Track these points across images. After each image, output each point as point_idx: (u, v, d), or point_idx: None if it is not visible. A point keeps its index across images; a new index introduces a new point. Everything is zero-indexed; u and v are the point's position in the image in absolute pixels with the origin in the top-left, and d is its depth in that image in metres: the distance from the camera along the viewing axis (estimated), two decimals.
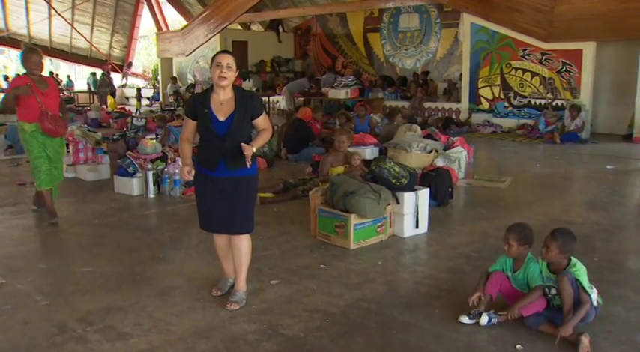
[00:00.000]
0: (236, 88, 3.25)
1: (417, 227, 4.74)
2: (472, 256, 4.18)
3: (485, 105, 12.84)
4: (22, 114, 4.98)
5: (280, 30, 19.02)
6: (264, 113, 3.31)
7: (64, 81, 24.20)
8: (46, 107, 4.97)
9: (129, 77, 24.57)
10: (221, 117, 3.16)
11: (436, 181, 5.61)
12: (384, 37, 16.59)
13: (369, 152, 7.74)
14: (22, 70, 5.21)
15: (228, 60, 3.14)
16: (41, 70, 5.04)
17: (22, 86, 4.88)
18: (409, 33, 15.94)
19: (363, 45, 17.21)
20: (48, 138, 5.07)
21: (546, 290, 3.04)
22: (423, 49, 15.68)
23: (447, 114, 13.22)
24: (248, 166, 3.12)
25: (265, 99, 15.86)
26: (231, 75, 3.15)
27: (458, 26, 13.62)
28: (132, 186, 6.37)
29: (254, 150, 3.11)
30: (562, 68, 11.46)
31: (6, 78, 21.73)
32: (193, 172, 3.18)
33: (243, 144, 3.07)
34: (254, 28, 20.18)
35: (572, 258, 3.00)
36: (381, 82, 15.59)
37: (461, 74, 13.53)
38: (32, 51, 5.06)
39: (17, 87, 4.90)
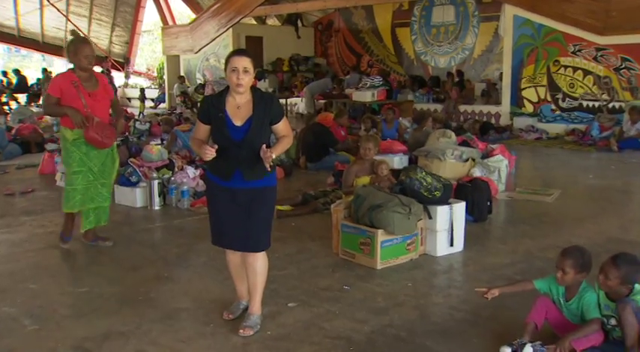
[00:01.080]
0: (254, 89, 3.29)
1: (451, 245, 4.73)
2: (515, 278, 4.14)
3: (529, 108, 12.75)
4: (65, 118, 4.60)
5: (299, 24, 19.15)
6: (285, 118, 3.35)
7: None
8: (93, 112, 4.57)
9: (131, 76, 24.79)
10: (237, 122, 3.20)
11: (473, 194, 5.59)
12: (415, 32, 16.62)
13: (398, 161, 7.74)
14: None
15: (244, 63, 3.17)
16: (93, 64, 4.63)
17: (66, 86, 4.53)
18: (443, 27, 15.96)
19: (391, 41, 17.26)
20: (93, 149, 4.66)
21: (604, 320, 2.95)
22: (459, 46, 15.67)
23: (485, 119, 13.17)
24: (268, 170, 3.14)
25: (282, 101, 15.98)
26: (248, 79, 3.19)
27: (498, 19, 13.59)
28: (134, 196, 6.46)
29: (274, 156, 3.14)
30: (621, 65, 11.32)
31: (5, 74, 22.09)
32: (214, 149, 3.11)
33: (263, 148, 3.11)
34: (270, 22, 20.36)
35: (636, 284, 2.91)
36: (410, 83, 15.62)
37: (501, 73, 13.48)
38: (83, 41, 4.64)
39: (59, 88, 4.55)
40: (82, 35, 4.78)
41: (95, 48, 25.32)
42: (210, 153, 3.11)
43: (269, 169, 3.15)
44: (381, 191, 4.64)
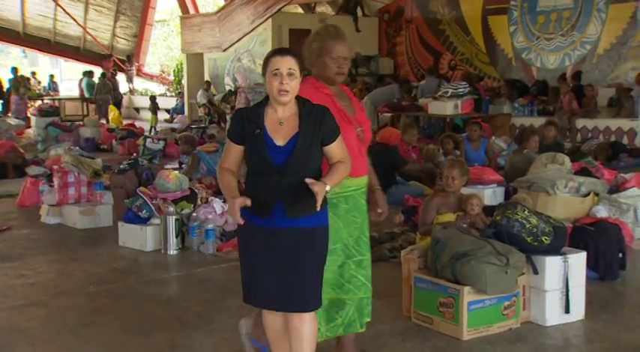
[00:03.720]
0: (301, 100, 3.36)
1: (567, 311, 4.65)
2: None
3: None
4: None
5: (359, 13, 19.32)
6: (340, 137, 3.40)
7: (44, 82, 24.92)
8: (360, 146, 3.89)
9: (134, 78, 25.05)
10: (280, 142, 3.28)
11: (597, 241, 5.50)
12: (515, 21, 16.54)
13: (491, 194, 7.68)
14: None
15: (289, 64, 3.25)
16: (345, 74, 3.94)
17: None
18: (554, 14, 15.82)
19: (482, 34, 17.22)
20: (355, 208, 3.86)
21: None
22: (577, 38, 15.48)
23: (613, 138, 12.91)
24: (317, 209, 3.18)
25: None
26: (294, 85, 3.27)
27: None
28: (144, 237, 6.59)
29: (328, 189, 3.18)
30: None
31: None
32: (249, 201, 3.20)
33: (310, 181, 3.15)
34: (321, 10, 20.65)
35: None
36: (507, 90, 15.49)
37: (639, 75, 13.22)
38: (335, 35, 3.86)
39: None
40: (333, 25, 3.92)
41: (93, 42, 25.32)
42: (238, 220, 3.21)
43: (318, 208, 3.19)
44: (467, 234, 4.61)
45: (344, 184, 3.66)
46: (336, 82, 3.91)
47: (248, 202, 3.20)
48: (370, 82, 18.37)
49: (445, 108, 13.59)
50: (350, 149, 3.61)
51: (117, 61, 24.13)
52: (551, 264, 4.61)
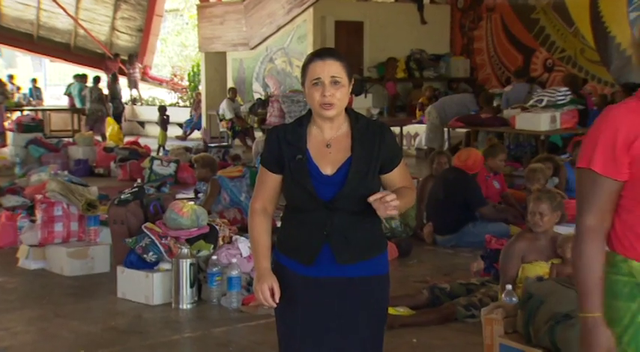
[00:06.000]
0: (353, 115, 3.39)
1: None
2: None
3: None
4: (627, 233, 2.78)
5: (425, 0, 19.33)
6: (402, 162, 3.42)
7: (24, 89, 25.28)
8: None
9: (139, 83, 25.12)
10: (327, 170, 3.30)
11: None
12: (637, 5, 16.31)
13: None
14: None
15: (332, 70, 3.26)
16: None
17: None
18: None
19: (590, 24, 17.02)
20: None
21: None
22: None
23: None
24: (386, 214, 3.14)
25: (395, 130, 16.06)
26: (341, 96, 3.27)
27: None
28: (150, 287, 6.63)
29: (395, 209, 3.14)
30: None
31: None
32: (278, 295, 3.27)
33: (375, 196, 3.11)
34: None
35: None
36: (624, 97, 15.30)
37: None
38: None
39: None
40: None
41: (87, 38, 25.45)
42: (268, 303, 3.26)
43: (385, 214, 3.15)
44: (571, 288, 4.57)
45: None
46: None
47: (277, 294, 3.27)
48: (439, 88, 18.29)
49: (539, 122, 13.41)
50: None
51: (119, 63, 24.23)
52: None
